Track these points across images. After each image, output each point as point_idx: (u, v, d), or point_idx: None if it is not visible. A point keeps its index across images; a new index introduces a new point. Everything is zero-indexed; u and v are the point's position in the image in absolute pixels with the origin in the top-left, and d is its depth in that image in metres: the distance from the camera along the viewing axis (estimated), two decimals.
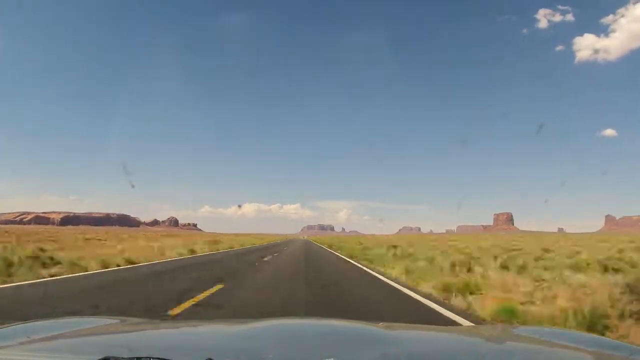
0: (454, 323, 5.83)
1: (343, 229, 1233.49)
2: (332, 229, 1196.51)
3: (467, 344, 1.76)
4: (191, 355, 1.30)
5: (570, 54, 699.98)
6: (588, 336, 1.92)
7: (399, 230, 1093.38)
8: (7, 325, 1.69)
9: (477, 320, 6.08)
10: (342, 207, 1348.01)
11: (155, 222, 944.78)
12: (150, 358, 1.11)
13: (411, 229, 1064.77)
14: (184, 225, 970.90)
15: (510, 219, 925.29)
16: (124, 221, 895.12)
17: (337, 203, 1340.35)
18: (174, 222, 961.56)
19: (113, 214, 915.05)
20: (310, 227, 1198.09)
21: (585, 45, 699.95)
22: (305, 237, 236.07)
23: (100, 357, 1.11)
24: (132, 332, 1.90)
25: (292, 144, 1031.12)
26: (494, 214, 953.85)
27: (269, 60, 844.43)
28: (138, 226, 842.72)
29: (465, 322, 5.89)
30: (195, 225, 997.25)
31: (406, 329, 2.37)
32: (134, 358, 1.10)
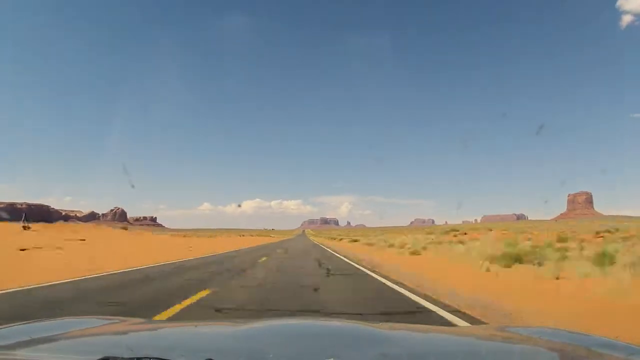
0: None
1: (348, 223, 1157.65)
2: (336, 223, 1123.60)
3: (467, 344, 1.79)
4: (191, 355, 1.33)
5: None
6: (587, 336, 1.98)
7: (411, 222, 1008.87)
8: (8, 325, 1.71)
9: (477, 321, 6.06)
10: (343, 202, 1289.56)
11: (92, 216, 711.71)
12: (150, 358, 1.13)
13: (424, 221, 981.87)
14: (137, 219, 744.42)
15: (589, 200, 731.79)
16: (40, 214, 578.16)
17: (338, 198, 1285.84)
18: (119, 216, 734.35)
19: (21, 204, 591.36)
20: (311, 222, 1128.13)
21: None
22: (311, 233, 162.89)
23: (100, 357, 1.12)
24: (132, 332, 1.92)
25: (293, 140, 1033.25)
26: (569, 195, 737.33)
27: (269, 59, 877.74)
28: (66, 220, 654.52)
29: None
30: (154, 219, 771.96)
31: (406, 329, 2.39)
32: (134, 358, 1.12)
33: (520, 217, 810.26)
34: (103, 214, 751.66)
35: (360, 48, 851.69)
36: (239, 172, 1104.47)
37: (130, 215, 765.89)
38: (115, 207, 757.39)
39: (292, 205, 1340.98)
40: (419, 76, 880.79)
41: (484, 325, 5.47)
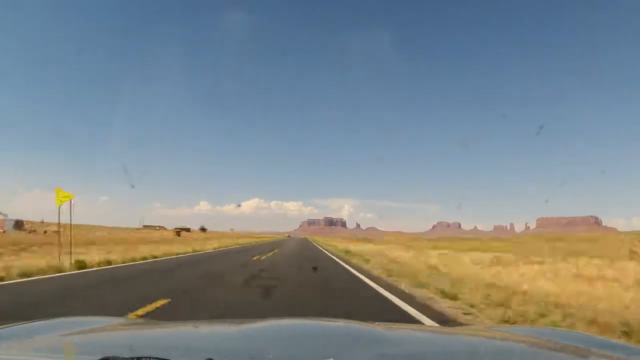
0: None
1: (358, 225, 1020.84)
2: (343, 224, 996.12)
3: (466, 344, 1.85)
4: (191, 355, 1.37)
5: None
6: (587, 336, 2.00)
7: (433, 227, 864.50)
8: (8, 325, 1.78)
9: (476, 321, 6.22)
10: (345, 205, 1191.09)
11: None
12: (150, 358, 1.15)
13: (448, 225, 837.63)
14: None
15: None
16: None
17: (339, 200, 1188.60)
18: None
19: None
20: (312, 223, 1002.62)
21: None
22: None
23: (100, 357, 1.15)
24: (132, 332, 1.99)
25: (298, 143, 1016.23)
26: None
27: (271, 60, 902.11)
28: None
29: None
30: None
31: (405, 329, 2.47)
32: (134, 358, 1.15)
33: (596, 222, 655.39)
34: None
35: (361, 50, 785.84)
36: (239, 171, 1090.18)
37: None
38: None
39: (291, 207, 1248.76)
40: (433, 77, 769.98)
41: (483, 325, 5.57)
